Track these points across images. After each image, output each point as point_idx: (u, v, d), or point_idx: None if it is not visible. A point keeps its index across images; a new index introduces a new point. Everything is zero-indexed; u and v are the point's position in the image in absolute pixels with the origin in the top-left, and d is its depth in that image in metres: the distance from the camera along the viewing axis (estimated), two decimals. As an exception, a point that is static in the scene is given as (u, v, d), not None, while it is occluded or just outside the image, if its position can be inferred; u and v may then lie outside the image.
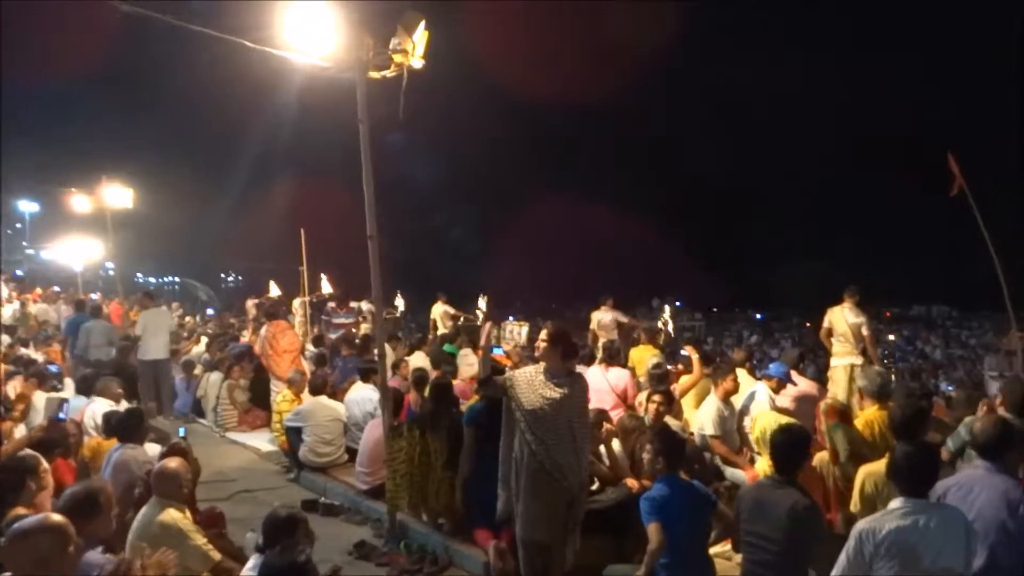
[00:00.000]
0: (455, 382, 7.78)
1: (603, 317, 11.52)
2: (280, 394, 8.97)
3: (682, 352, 8.06)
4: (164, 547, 3.65)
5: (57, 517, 3.03)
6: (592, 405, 5.47)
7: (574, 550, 4.51)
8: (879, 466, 4.12)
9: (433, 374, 7.93)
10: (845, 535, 3.91)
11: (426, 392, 6.89)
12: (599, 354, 8.33)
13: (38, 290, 19.24)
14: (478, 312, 15.14)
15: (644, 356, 9.15)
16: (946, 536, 3.14)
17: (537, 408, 4.33)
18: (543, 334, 4.57)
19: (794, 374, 7.32)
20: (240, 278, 52.25)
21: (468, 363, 9.93)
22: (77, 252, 18.69)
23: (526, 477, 4.36)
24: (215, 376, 10.79)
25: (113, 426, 5.91)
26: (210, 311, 25.59)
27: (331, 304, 12.97)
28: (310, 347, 11.64)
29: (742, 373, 7.49)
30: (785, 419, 5.75)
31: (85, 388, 7.63)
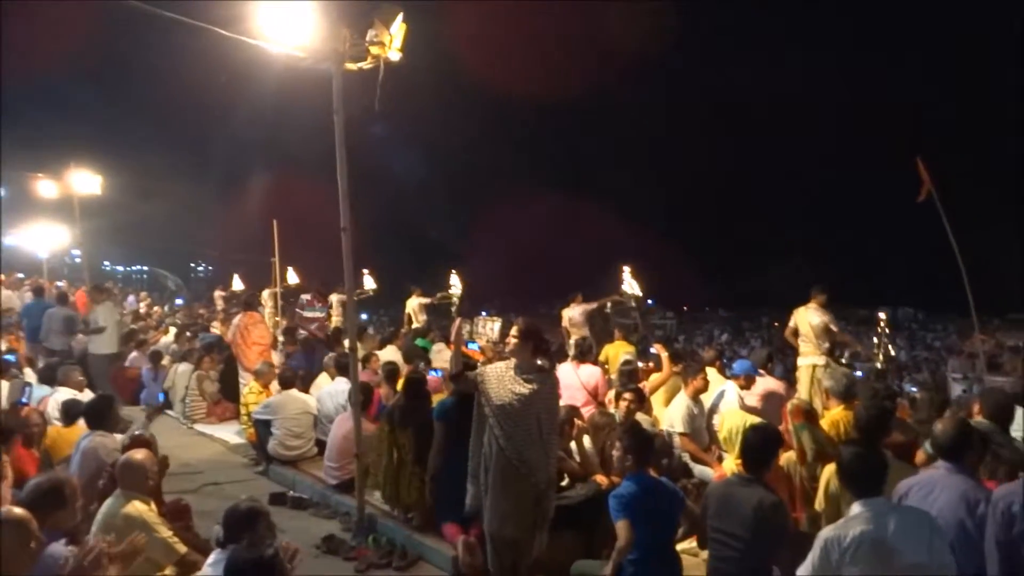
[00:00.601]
0: (428, 377, 7.77)
1: (573, 314, 11.56)
2: (248, 386, 8.89)
3: (651, 350, 8.07)
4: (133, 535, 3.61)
5: (18, 511, 2.97)
6: (563, 402, 5.50)
7: (542, 545, 4.54)
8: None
9: (405, 369, 7.92)
10: (810, 533, 3.96)
11: (398, 386, 6.88)
12: (571, 351, 8.36)
13: (1, 276, 18.85)
14: (451, 290, 14.97)
15: (618, 353, 9.23)
16: (912, 536, 3.17)
17: (506, 403, 4.34)
18: (514, 330, 4.58)
19: (763, 373, 7.43)
20: (210, 268, 51.65)
21: (442, 358, 9.92)
22: (43, 239, 18.33)
23: (495, 472, 4.37)
24: (184, 367, 10.68)
25: (83, 412, 5.83)
26: (179, 301, 25.27)
27: (305, 296, 12.84)
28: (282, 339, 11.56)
29: (712, 372, 7.57)
30: (752, 419, 5.83)
31: (48, 377, 7.51)
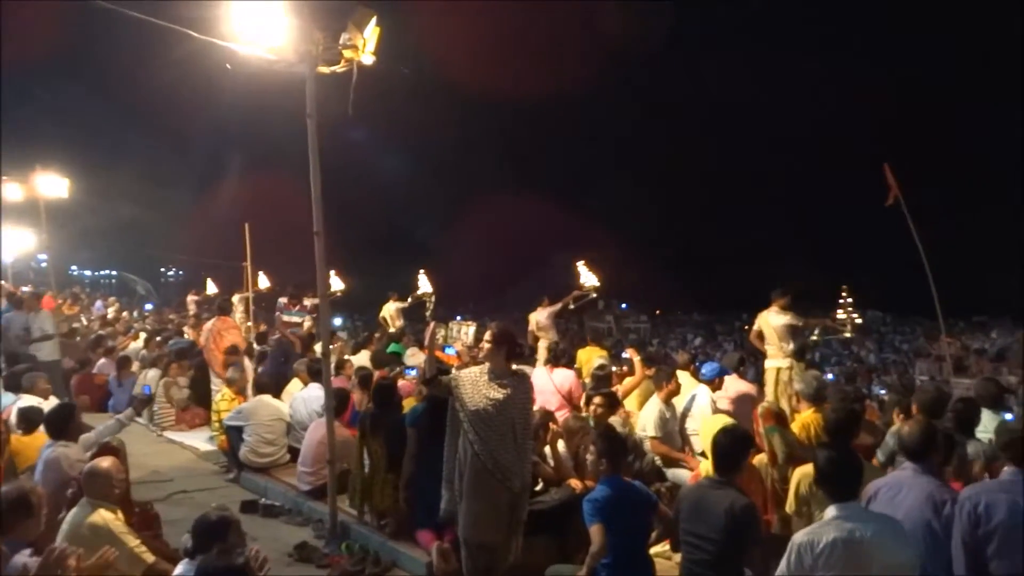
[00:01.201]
0: (400, 382, 7.74)
1: (539, 317, 11.57)
2: (220, 392, 8.78)
3: (623, 355, 8.10)
4: (105, 547, 3.55)
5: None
6: (537, 406, 5.51)
7: (517, 551, 4.53)
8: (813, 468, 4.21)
9: (377, 374, 7.87)
10: (781, 536, 4.00)
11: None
12: (539, 356, 8.37)
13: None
14: (419, 291, 14.89)
15: (591, 357, 9.26)
16: (886, 541, 3.19)
17: (481, 408, 4.33)
18: (487, 335, 4.59)
19: (735, 376, 7.49)
20: (181, 273, 51.01)
21: (416, 362, 9.88)
22: (7, 243, 17.96)
23: (469, 477, 4.37)
24: (152, 373, 10.51)
25: (44, 421, 5.71)
26: (149, 306, 24.91)
27: (283, 300, 12.64)
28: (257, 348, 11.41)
29: (686, 375, 7.63)
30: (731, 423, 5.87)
31: (13, 384, 7.36)
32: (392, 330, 13.71)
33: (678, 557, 4.22)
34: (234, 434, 7.71)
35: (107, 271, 50.14)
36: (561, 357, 7.99)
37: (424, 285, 14.75)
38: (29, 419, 6.00)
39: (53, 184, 13.72)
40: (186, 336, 13.47)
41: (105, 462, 4.31)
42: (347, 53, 5.80)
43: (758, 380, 9.49)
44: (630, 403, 7.51)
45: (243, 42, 5.85)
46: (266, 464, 7.60)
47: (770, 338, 8.63)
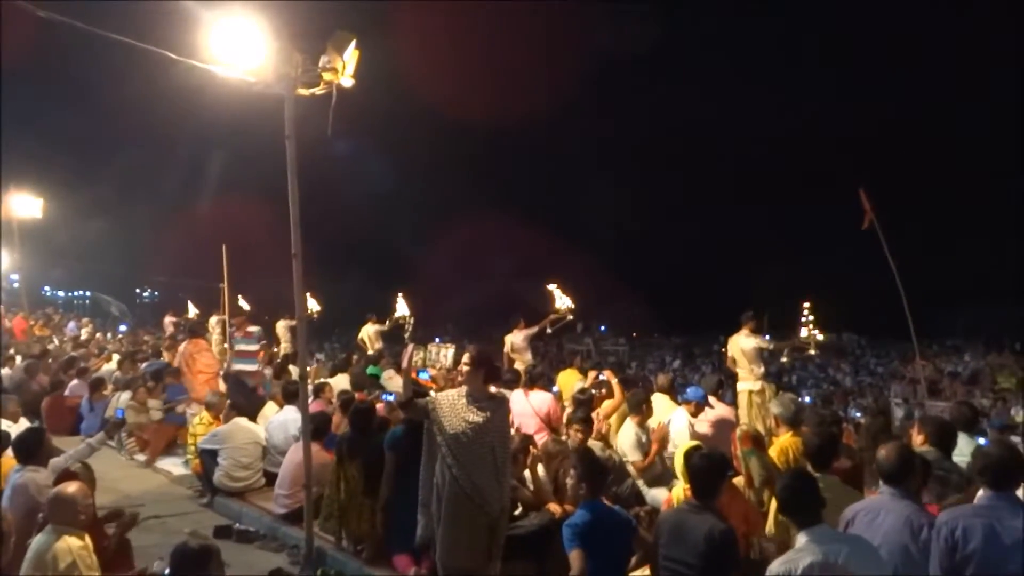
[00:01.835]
0: (378, 405, 7.66)
1: (515, 339, 11.55)
2: (197, 416, 8.65)
3: (600, 377, 8.10)
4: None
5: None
6: (514, 429, 5.48)
7: (495, 575, 4.48)
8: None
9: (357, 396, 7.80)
10: (759, 561, 3.99)
11: (348, 415, 6.76)
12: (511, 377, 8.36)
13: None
14: (396, 314, 14.81)
15: (571, 381, 9.25)
16: (861, 562, 3.22)
17: (459, 432, 4.30)
18: (465, 357, 4.57)
19: (713, 400, 7.52)
20: (156, 293, 50.46)
21: (394, 385, 9.81)
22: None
23: (447, 501, 4.32)
24: (126, 396, 10.30)
25: (12, 445, 5.58)
26: (123, 327, 24.57)
27: (232, 324, 12.14)
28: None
29: (664, 398, 7.64)
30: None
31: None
32: (371, 352, 13.63)
33: (657, 582, 4.19)
34: (208, 458, 7.59)
35: (81, 292, 49.49)
36: (538, 379, 7.98)
37: (402, 308, 14.68)
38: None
39: (26, 204, 13.59)
40: (163, 358, 13.27)
41: (71, 487, 4.21)
42: (326, 76, 5.80)
43: (736, 403, 9.53)
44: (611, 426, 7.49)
45: (222, 63, 5.84)
46: (241, 488, 7.47)
47: (740, 361, 8.70)
